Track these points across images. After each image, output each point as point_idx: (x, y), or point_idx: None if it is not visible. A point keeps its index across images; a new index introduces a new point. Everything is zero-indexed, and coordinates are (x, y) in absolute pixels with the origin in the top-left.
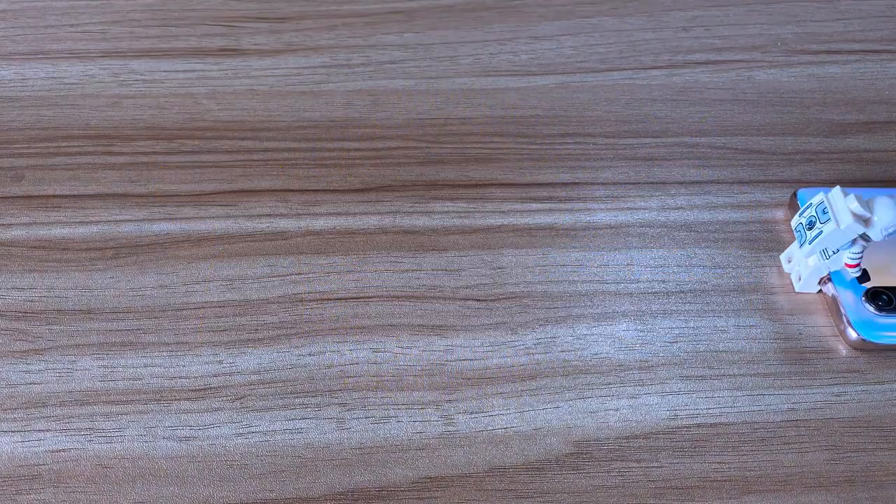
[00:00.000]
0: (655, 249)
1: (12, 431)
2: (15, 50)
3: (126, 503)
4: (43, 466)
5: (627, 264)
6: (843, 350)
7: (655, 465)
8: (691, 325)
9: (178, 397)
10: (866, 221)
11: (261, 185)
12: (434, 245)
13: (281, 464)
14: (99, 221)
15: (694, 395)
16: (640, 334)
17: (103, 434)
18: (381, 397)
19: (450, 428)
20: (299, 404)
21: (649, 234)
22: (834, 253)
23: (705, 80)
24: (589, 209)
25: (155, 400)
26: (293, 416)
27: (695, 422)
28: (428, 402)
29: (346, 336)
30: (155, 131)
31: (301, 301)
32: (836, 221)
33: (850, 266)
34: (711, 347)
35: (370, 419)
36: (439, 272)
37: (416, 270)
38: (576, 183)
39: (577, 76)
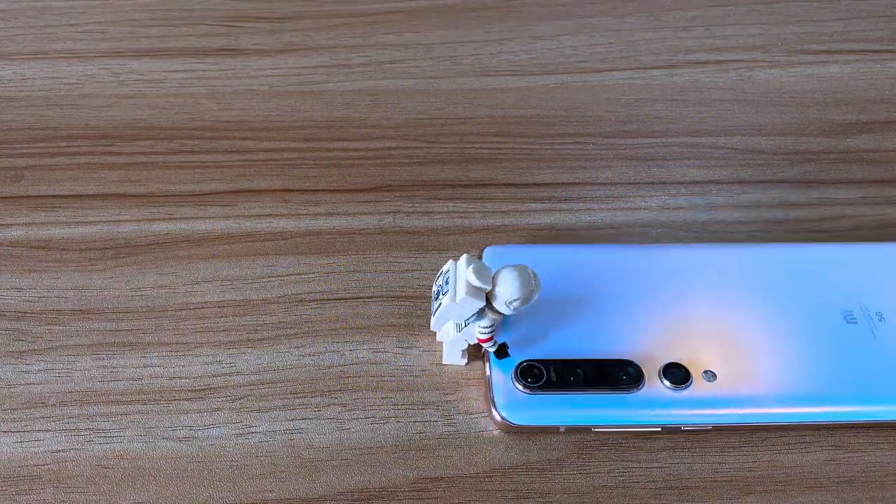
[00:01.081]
0: None
1: (12, 431)
2: (15, 50)
3: (125, 503)
4: (43, 466)
5: None
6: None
7: (655, 465)
8: None
9: (177, 397)
10: (488, 294)
11: (261, 185)
12: (434, 245)
13: (281, 464)
14: (99, 221)
15: None
16: None
17: (103, 434)
18: (381, 397)
19: (450, 428)
20: (299, 404)
21: (649, 234)
22: (465, 325)
23: (705, 80)
24: (589, 209)
25: (154, 400)
26: (293, 416)
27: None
28: (428, 402)
29: (346, 336)
30: (155, 131)
31: (301, 301)
32: (454, 294)
33: (483, 341)
34: None
35: (370, 419)
36: None
37: (416, 270)
38: (576, 183)
39: (577, 76)
